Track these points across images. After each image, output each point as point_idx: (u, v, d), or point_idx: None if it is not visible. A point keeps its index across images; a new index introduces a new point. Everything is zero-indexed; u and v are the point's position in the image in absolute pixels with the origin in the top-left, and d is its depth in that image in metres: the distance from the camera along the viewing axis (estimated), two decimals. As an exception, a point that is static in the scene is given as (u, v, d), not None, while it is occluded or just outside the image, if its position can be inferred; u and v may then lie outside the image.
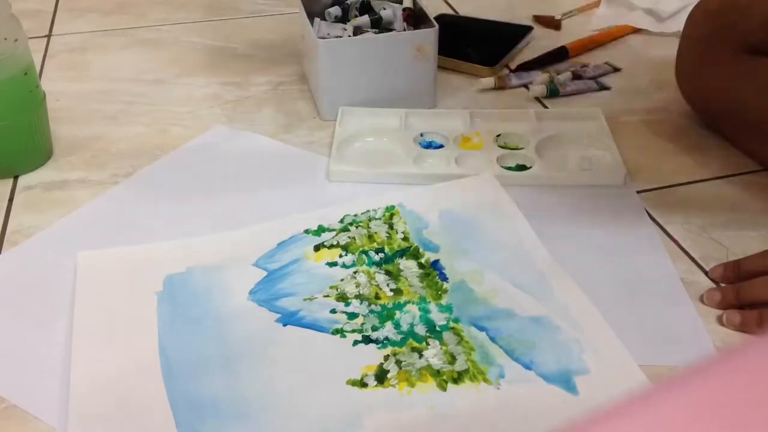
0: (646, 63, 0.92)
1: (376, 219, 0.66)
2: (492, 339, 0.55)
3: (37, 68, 0.81)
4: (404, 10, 0.84)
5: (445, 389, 0.51)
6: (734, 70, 0.72)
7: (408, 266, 0.61)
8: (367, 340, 0.55)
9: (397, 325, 0.56)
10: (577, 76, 0.88)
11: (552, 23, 1.02)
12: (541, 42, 0.97)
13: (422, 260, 0.62)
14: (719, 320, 0.56)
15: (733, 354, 0.24)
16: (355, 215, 0.67)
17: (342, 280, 0.60)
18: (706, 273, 0.61)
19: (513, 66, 0.92)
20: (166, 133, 0.80)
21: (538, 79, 0.87)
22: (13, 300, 0.59)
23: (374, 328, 0.55)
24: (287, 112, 0.84)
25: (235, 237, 0.64)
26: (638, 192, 0.70)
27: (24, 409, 0.51)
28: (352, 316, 0.57)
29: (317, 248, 0.63)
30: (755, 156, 0.74)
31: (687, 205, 0.69)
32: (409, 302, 0.58)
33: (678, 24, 0.96)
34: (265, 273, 0.61)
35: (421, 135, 0.77)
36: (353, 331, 0.55)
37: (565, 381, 0.51)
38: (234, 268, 0.61)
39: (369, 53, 0.79)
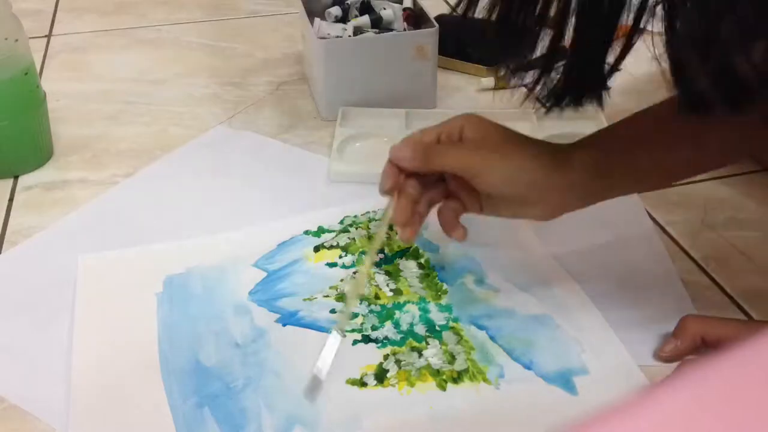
0: (646, 63, 0.92)
1: (376, 220, 0.66)
2: (492, 338, 0.55)
3: (37, 68, 0.81)
4: (404, 10, 0.84)
5: (444, 389, 0.51)
6: None
7: (408, 267, 0.61)
8: (366, 339, 0.55)
9: (396, 325, 0.56)
10: (577, 76, 0.88)
11: (552, 23, 1.01)
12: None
13: (422, 260, 0.62)
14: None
15: (733, 354, 0.24)
16: (355, 216, 0.67)
17: (342, 280, 0.60)
18: (706, 273, 0.61)
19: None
20: (166, 133, 0.80)
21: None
22: (13, 300, 0.59)
23: (374, 328, 0.55)
24: (287, 112, 0.84)
25: (234, 237, 0.64)
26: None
27: (24, 409, 0.51)
28: (352, 315, 0.57)
29: (317, 249, 0.63)
30: (754, 156, 0.74)
31: (687, 205, 0.69)
32: (408, 302, 0.58)
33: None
34: (264, 273, 0.61)
35: (421, 135, 0.77)
36: (353, 330, 0.55)
37: (565, 381, 0.51)
38: (234, 269, 0.61)
39: (369, 53, 0.79)
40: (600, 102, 0.52)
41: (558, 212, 0.55)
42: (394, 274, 0.60)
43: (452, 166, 0.53)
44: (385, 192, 0.55)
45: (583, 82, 0.52)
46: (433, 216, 0.67)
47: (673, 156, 0.54)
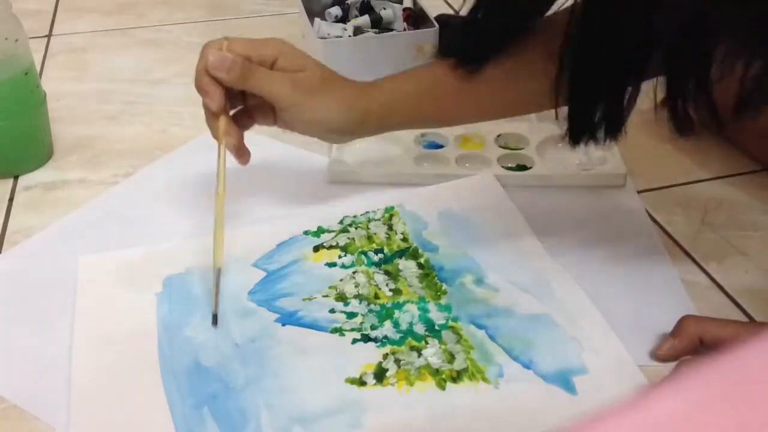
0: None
1: (376, 220, 0.66)
2: (491, 337, 0.55)
3: (37, 68, 0.81)
4: (404, 10, 0.84)
5: (444, 388, 0.51)
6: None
7: (407, 266, 0.61)
8: (366, 338, 0.55)
9: (396, 324, 0.56)
10: (577, 76, 0.88)
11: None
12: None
13: (421, 260, 0.62)
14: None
15: (732, 355, 0.24)
16: (354, 216, 0.67)
17: (341, 280, 0.60)
18: (706, 273, 0.61)
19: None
20: (166, 133, 0.80)
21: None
22: (13, 300, 0.59)
23: (373, 327, 0.55)
24: (287, 112, 0.84)
25: (234, 237, 0.64)
26: (638, 192, 0.70)
27: (24, 409, 0.51)
28: (351, 315, 0.57)
29: (316, 249, 0.63)
30: (755, 157, 0.74)
31: (687, 205, 0.69)
32: (408, 302, 0.58)
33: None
34: (264, 273, 0.61)
35: (422, 135, 0.77)
36: (352, 329, 0.55)
37: (564, 381, 0.51)
38: (233, 269, 0.61)
39: (369, 53, 0.79)
40: (616, 138, 0.59)
41: (346, 141, 0.65)
42: (393, 274, 0.60)
43: (268, 94, 0.56)
44: (217, 110, 0.56)
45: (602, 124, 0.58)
46: (432, 216, 0.67)
47: (454, 111, 0.63)
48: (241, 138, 0.59)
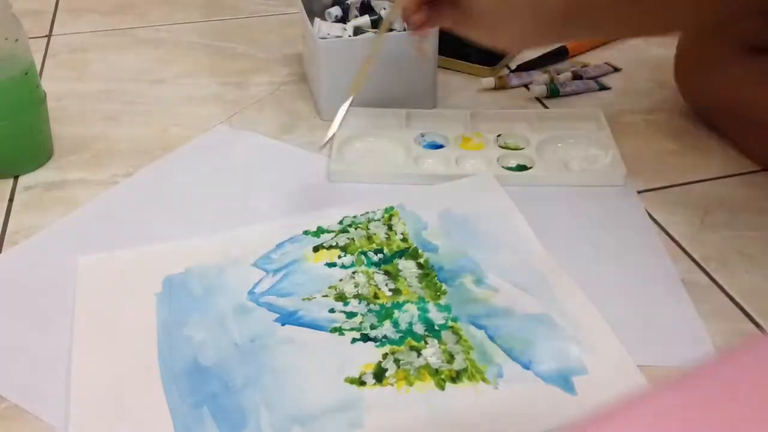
0: (646, 63, 0.92)
1: (375, 220, 0.66)
2: (491, 338, 0.55)
3: (38, 68, 0.81)
4: (404, 10, 0.84)
5: (443, 388, 0.51)
6: (735, 68, 0.72)
7: (407, 266, 0.61)
8: (365, 338, 0.55)
9: (395, 324, 0.56)
10: (577, 76, 0.88)
11: (552, 23, 1.01)
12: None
13: (421, 260, 0.62)
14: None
15: (733, 354, 0.24)
16: (354, 217, 0.67)
17: (341, 280, 0.60)
18: (706, 273, 0.61)
19: (513, 66, 0.92)
20: (166, 133, 0.80)
21: (539, 79, 0.87)
22: (13, 300, 0.59)
23: (373, 327, 0.55)
24: (287, 112, 0.84)
25: (234, 237, 0.64)
26: (638, 192, 0.70)
27: (24, 409, 0.51)
28: (351, 315, 0.57)
29: (316, 249, 0.63)
30: (755, 156, 0.74)
31: (687, 205, 0.69)
32: (407, 302, 0.58)
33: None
34: (264, 273, 0.61)
35: (422, 135, 0.77)
36: (352, 329, 0.55)
37: (564, 381, 0.51)
38: (233, 269, 0.61)
39: (369, 53, 0.79)
40: None
41: (521, 44, 0.66)
42: (393, 274, 0.60)
43: None
44: None
45: None
46: (432, 216, 0.67)
47: (633, 9, 0.59)
48: (419, 10, 0.61)
